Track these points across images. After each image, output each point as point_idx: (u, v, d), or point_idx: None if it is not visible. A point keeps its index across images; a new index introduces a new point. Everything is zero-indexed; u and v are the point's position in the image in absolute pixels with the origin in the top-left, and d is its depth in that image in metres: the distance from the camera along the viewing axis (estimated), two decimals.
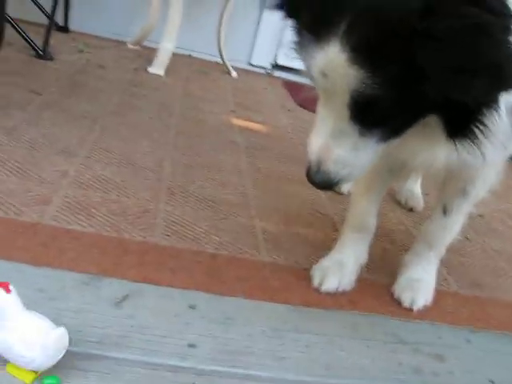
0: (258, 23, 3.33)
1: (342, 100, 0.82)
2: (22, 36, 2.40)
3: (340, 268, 1.18)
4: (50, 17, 2.49)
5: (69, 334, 0.82)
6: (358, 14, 0.75)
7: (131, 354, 0.85)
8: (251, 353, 0.92)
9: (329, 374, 0.93)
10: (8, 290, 0.76)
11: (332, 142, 0.86)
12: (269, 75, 3.46)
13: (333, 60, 0.78)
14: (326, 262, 1.20)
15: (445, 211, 1.18)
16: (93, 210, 1.22)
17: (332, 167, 0.88)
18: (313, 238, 1.38)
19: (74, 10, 3.00)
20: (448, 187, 1.17)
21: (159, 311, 0.96)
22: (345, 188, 1.73)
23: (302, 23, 0.82)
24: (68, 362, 0.80)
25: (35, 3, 2.74)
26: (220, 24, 3.02)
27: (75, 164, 1.43)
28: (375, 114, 0.82)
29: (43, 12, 2.69)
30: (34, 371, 0.77)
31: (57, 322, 0.82)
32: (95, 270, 1.02)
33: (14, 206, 1.16)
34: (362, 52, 0.75)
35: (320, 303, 1.12)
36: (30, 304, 0.79)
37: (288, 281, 1.16)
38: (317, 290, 1.15)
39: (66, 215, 1.18)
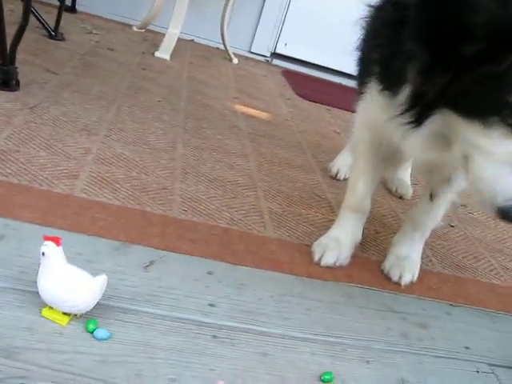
0: (261, 12, 3.45)
1: None
2: (36, 16, 2.49)
3: (338, 245, 1.32)
4: None
5: (107, 291, 0.96)
6: None
7: (161, 309, 0.99)
8: (262, 313, 1.06)
9: (328, 334, 1.07)
10: (58, 244, 0.89)
11: None
12: (268, 63, 3.57)
13: None
14: (325, 240, 1.34)
15: (431, 197, 1.33)
16: (117, 185, 1.35)
17: None
18: (313, 218, 1.52)
19: None
20: (435, 176, 1.31)
21: (182, 275, 1.09)
22: (341, 174, 1.87)
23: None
24: (109, 313, 0.93)
25: None
26: (224, 11, 3.13)
27: (96, 142, 1.56)
28: None
29: None
30: (67, 315, 0.90)
31: None
32: (124, 237, 1.15)
33: (47, 178, 1.29)
34: None
35: (320, 275, 1.26)
36: (72, 264, 0.92)
37: (292, 255, 1.30)
38: (317, 264, 1.29)
39: (94, 189, 1.30)
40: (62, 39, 2.55)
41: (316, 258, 1.29)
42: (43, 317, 0.89)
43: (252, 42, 3.58)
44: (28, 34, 2.35)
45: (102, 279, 0.89)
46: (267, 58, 3.63)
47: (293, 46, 3.59)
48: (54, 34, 2.53)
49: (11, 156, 1.34)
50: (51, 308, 0.89)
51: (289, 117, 2.45)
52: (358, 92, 1.24)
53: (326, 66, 3.61)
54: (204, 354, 0.91)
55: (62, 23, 2.56)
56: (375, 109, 1.13)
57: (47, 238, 0.89)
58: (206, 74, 2.74)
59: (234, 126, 2.07)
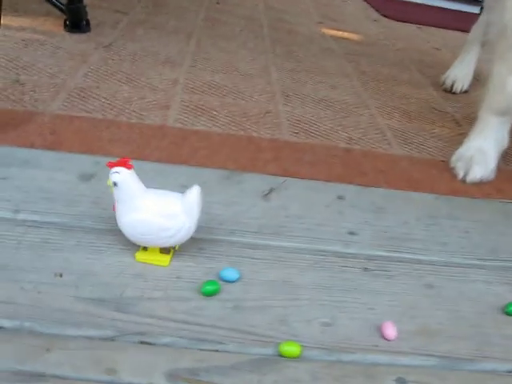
0: None
1: None
2: None
3: (483, 156, 1.10)
4: None
5: (227, 224, 0.77)
6: None
7: (295, 242, 0.80)
8: (414, 239, 0.86)
9: (496, 258, 0.86)
10: (129, 167, 0.69)
11: None
12: None
13: None
14: (468, 152, 1.11)
15: None
16: (214, 113, 1.17)
17: None
18: (440, 133, 1.29)
19: None
20: None
21: (309, 202, 0.90)
22: (457, 86, 1.63)
23: None
24: (234, 250, 0.75)
25: None
26: None
27: (182, 73, 1.37)
28: None
29: None
30: (165, 252, 0.72)
31: (210, 213, 0.79)
32: (233, 165, 0.96)
33: (134, 111, 1.11)
34: None
35: (466, 192, 1.04)
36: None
37: (428, 172, 1.08)
38: (461, 181, 1.06)
39: (189, 118, 1.12)
40: None
41: (460, 174, 1.07)
42: (139, 262, 0.71)
43: None
44: None
45: (196, 192, 0.69)
46: None
47: None
48: None
49: (92, 92, 1.17)
50: (144, 249, 0.72)
51: (381, 36, 2.20)
52: None
53: None
54: (358, 291, 0.72)
55: None
56: None
57: (113, 165, 0.69)
58: (283, 3, 2.51)
59: (326, 48, 1.85)
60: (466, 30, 2.57)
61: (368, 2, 3.01)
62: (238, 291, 0.68)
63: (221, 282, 0.69)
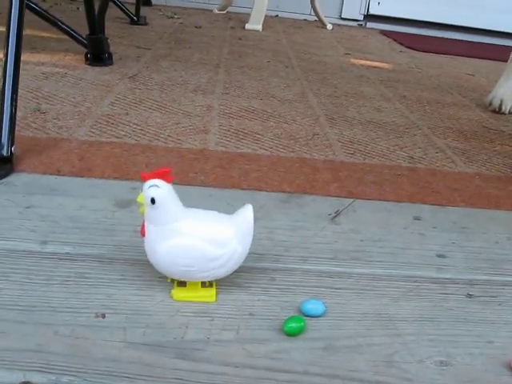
0: None
1: None
2: (116, 4, 2.25)
3: None
4: None
5: (295, 251, 0.64)
6: None
7: (380, 268, 0.66)
8: (511, 260, 0.72)
9: None
10: (170, 179, 0.55)
11: None
12: (362, 27, 3.23)
13: None
14: None
15: None
16: (258, 136, 1.05)
17: None
18: (503, 150, 1.17)
19: None
20: None
21: (384, 224, 0.77)
22: (506, 106, 1.51)
23: None
24: (311, 280, 0.62)
25: None
26: None
27: (216, 99, 1.26)
28: None
29: None
30: (206, 285, 0.58)
31: (273, 239, 0.66)
32: (289, 188, 0.84)
33: (170, 136, 1.00)
34: None
35: None
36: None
37: (505, 189, 0.95)
38: None
39: (231, 141, 1.00)
40: (145, 24, 2.30)
41: None
42: (177, 301, 0.57)
43: (342, 7, 3.23)
44: (110, 24, 2.12)
45: (251, 212, 0.56)
46: (360, 22, 3.28)
47: (387, 3, 3.22)
48: (137, 19, 2.27)
49: (121, 119, 1.06)
50: (181, 284, 0.58)
51: (412, 65, 2.10)
52: None
53: (427, 20, 3.22)
54: (468, 321, 0.58)
55: (141, 14, 2.31)
56: None
57: (149, 176, 0.54)
58: (305, 39, 2.43)
59: (359, 75, 1.74)
60: (495, 59, 2.48)
61: (389, 36, 2.93)
62: (327, 328, 0.55)
63: (305, 318, 0.55)
